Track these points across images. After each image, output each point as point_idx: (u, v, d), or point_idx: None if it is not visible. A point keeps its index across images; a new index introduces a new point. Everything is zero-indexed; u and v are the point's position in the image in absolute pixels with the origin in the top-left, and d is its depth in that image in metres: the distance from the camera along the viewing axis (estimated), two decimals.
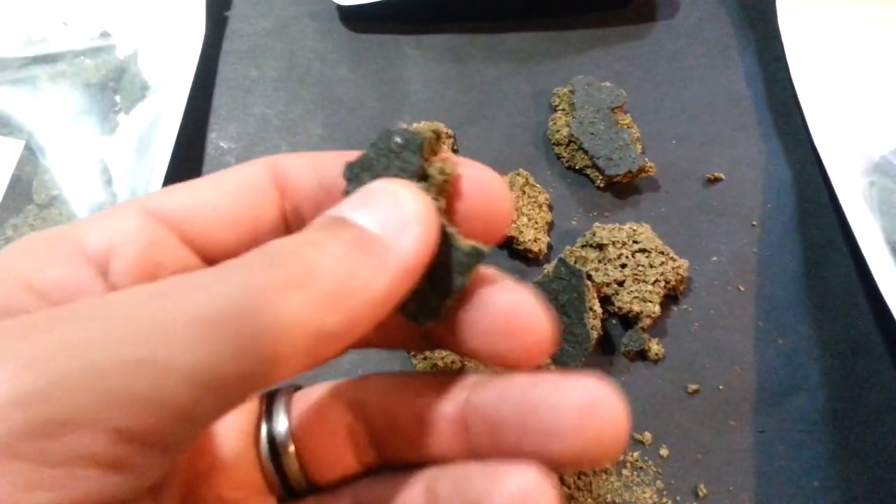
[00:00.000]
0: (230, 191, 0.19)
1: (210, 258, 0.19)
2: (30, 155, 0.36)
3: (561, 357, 0.33)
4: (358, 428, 0.20)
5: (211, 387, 0.13)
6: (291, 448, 0.20)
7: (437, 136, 0.18)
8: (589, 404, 0.16)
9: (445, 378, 0.19)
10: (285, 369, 0.14)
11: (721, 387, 0.33)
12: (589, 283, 0.33)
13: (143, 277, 0.18)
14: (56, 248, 0.17)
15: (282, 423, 0.20)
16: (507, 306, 0.18)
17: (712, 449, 0.32)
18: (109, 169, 0.37)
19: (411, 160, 0.17)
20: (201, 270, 0.15)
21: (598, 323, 0.32)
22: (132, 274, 0.18)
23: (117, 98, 0.39)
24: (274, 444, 0.20)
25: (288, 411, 0.20)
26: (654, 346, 0.34)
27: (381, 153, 0.17)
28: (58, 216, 0.35)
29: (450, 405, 0.19)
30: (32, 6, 0.42)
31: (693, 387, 0.33)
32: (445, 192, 0.18)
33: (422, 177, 0.17)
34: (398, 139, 0.17)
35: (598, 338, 0.32)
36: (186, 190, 0.19)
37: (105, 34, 0.41)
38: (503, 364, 0.17)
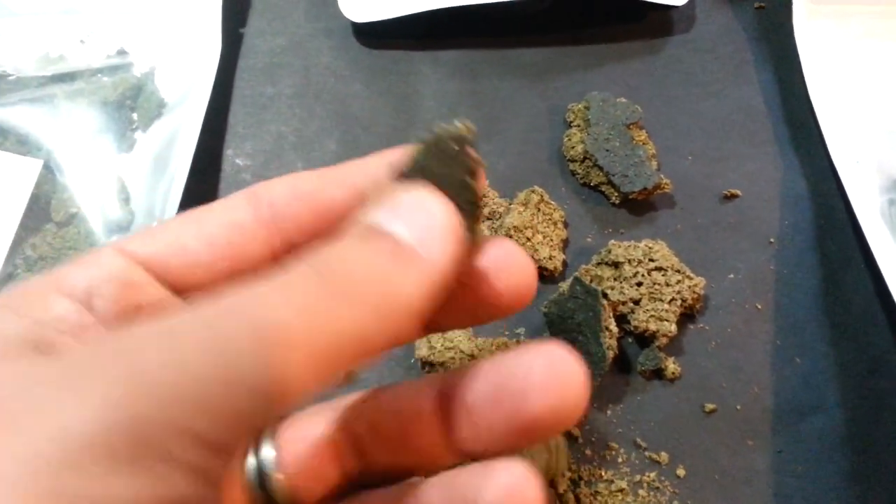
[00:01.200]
0: (209, 233, 0.19)
1: (190, 296, 0.19)
2: (48, 173, 0.37)
3: None
4: (344, 443, 0.21)
5: (273, 396, 0.14)
6: (279, 476, 0.20)
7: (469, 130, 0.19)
8: (553, 363, 0.18)
9: (420, 381, 0.21)
10: (331, 378, 0.15)
11: (738, 406, 0.33)
12: (605, 301, 0.33)
13: (124, 318, 0.18)
14: (46, 290, 0.18)
15: (268, 452, 0.20)
16: (497, 251, 0.19)
17: (729, 469, 0.32)
18: (127, 187, 0.37)
19: (467, 161, 0.18)
20: (256, 284, 0.16)
21: (613, 342, 0.32)
22: (112, 314, 0.18)
23: (134, 116, 0.39)
24: (262, 473, 0.20)
25: (274, 438, 0.21)
26: (671, 365, 0.34)
27: (437, 156, 0.18)
28: (76, 234, 0.35)
29: (426, 400, 0.20)
30: (50, 25, 0.42)
31: (710, 406, 0.33)
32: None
33: (472, 173, 0.18)
34: (454, 144, 0.18)
35: (614, 357, 0.32)
36: (165, 232, 0.19)
37: (122, 52, 0.41)
38: (498, 303, 0.19)
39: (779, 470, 0.32)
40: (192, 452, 0.14)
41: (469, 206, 0.18)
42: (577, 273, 0.35)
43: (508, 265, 0.20)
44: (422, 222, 0.17)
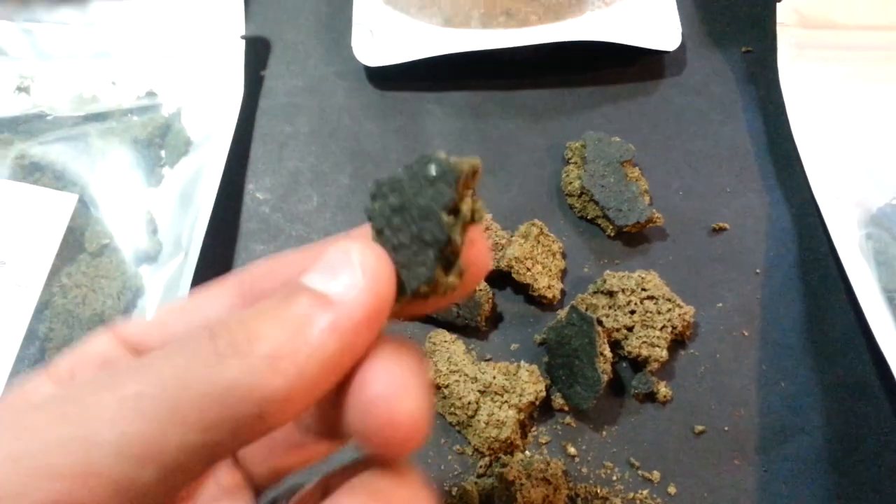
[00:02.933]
0: (194, 318, 0.19)
1: None
2: (82, 207, 0.39)
3: (573, 399, 0.35)
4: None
5: (147, 458, 0.14)
6: None
7: (475, 171, 0.17)
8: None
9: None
10: (238, 436, 0.15)
11: (726, 428, 0.35)
12: (600, 328, 0.35)
13: None
14: (37, 378, 0.18)
15: None
16: (383, 390, 0.16)
17: (718, 487, 0.34)
18: (155, 219, 0.40)
19: (445, 192, 0.16)
20: (152, 353, 0.16)
21: (608, 367, 0.34)
22: None
23: (163, 153, 0.42)
24: None
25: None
26: (663, 389, 0.36)
27: (415, 178, 0.17)
28: (108, 264, 0.38)
29: None
30: (84, 68, 0.45)
31: (700, 427, 0.35)
32: (468, 230, 0.17)
33: (453, 210, 0.17)
34: (434, 168, 0.17)
35: (608, 380, 0.35)
36: (157, 316, 0.20)
37: (151, 94, 0.44)
38: (370, 447, 0.17)
39: (765, 488, 0.34)
40: None
41: (433, 240, 0.17)
42: (573, 301, 0.37)
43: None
44: (338, 270, 0.16)
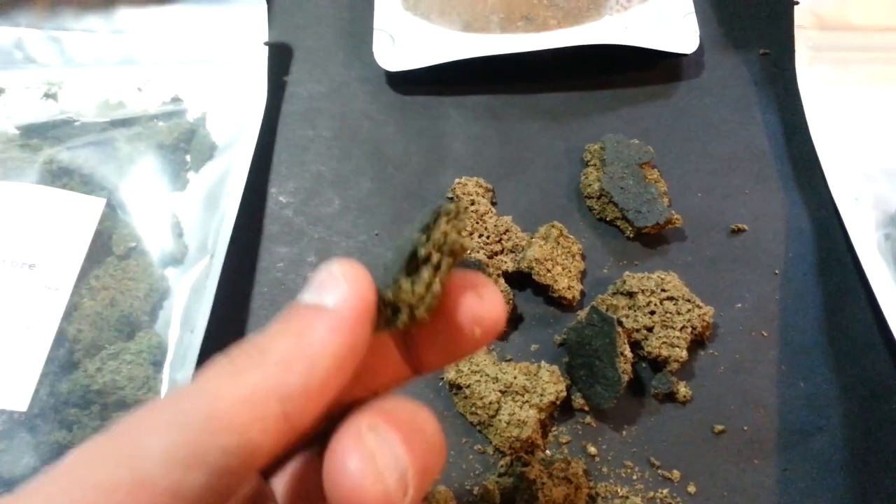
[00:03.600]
0: None
1: None
2: (110, 211, 0.40)
3: (594, 399, 0.35)
4: None
5: (193, 464, 0.16)
6: None
7: (458, 211, 0.20)
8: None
9: None
10: (268, 435, 0.17)
11: (746, 427, 0.36)
12: (620, 329, 0.35)
13: None
14: None
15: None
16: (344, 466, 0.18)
17: (738, 486, 0.34)
18: (181, 222, 0.41)
19: (425, 218, 0.20)
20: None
21: (628, 367, 0.35)
22: None
23: (188, 158, 0.43)
24: None
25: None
26: (682, 389, 0.36)
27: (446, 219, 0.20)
28: (136, 266, 0.38)
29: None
30: (110, 74, 0.46)
31: (719, 427, 0.35)
32: (449, 260, 0.19)
33: (425, 230, 0.19)
34: (429, 213, 0.20)
35: (628, 380, 0.35)
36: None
37: (176, 99, 0.45)
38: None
39: (784, 487, 0.34)
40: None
41: (404, 253, 0.19)
42: (594, 302, 0.38)
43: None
44: (324, 282, 0.19)
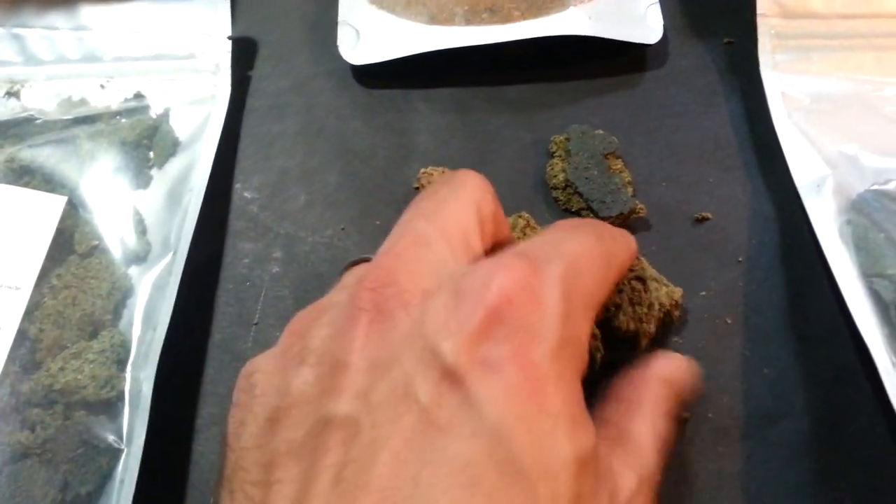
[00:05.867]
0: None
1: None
2: (71, 209, 0.40)
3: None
4: None
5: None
6: None
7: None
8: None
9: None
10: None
11: (710, 414, 0.36)
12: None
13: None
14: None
15: None
16: None
17: (702, 473, 0.34)
18: (144, 220, 0.40)
19: None
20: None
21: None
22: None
23: (151, 154, 0.42)
24: None
25: None
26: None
27: None
28: (98, 265, 0.38)
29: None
30: (73, 72, 0.46)
31: (684, 415, 0.36)
32: None
33: None
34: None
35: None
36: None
37: (139, 95, 0.45)
38: None
39: (749, 473, 0.34)
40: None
41: None
42: None
43: None
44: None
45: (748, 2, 0.45)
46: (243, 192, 0.43)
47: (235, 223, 0.42)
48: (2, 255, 0.37)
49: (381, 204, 0.42)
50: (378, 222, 0.42)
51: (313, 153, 0.44)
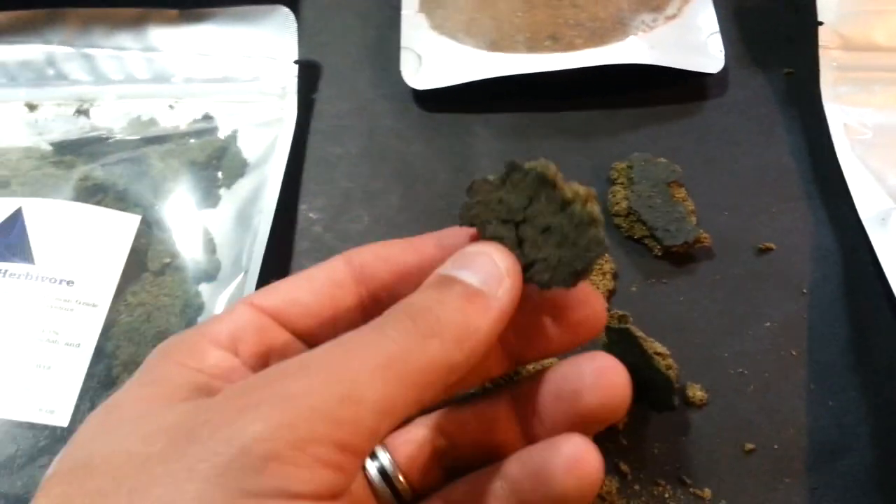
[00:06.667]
0: (317, 288, 0.25)
1: (303, 338, 0.25)
2: (145, 227, 0.41)
3: (658, 406, 0.36)
4: (441, 444, 0.26)
5: (388, 412, 0.19)
6: (401, 477, 0.26)
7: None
8: (603, 367, 0.24)
9: (494, 390, 0.28)
10: (430, 397, 0.21)
11: (776, 446, 0.36)
12: (639, 332, 0.35)
13: (262, 357, 0.23)
14: (199, 341, 0.23)
15: (385, 458, 0.26)
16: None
17: None
18: (214, 239, 0.41)
19: (553, 196, 0.24)
20: (366, 326, 0.21)
21: (670, 360, 0.35)
22: (254, 355, 0.23)
23: (220, 174, 0.43)
24: (384, 473, 0.25)
25: (385, 446, 0.26)
26: (698, 392, 0.36)
27: (511, 185, 0.25)
28: (171, 283, 0.39)
29: (502, 404, 0.26)
30: (143, 91, 0.47)
31: (749, 446, 0.36)
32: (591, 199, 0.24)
33: (565, 205, 0.24)
34: (521, 175, 0.25)
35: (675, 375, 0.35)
36: (283, 289, 0.25)
37: (207, 117, 0.46)
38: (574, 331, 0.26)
39: None
40: (335, 455, 0.18)
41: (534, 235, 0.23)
42: (607, 323, 0.38)
43: (577, 300, 0.25)
44: (487, 270, 0.22)
45: (809, 33, 0.46)
46: (308, 212, 0.44)
47: (300, 243, 0.43)
48: (80, 273, 0.38)
49: (441, 226, 0.42)
50: None
51: (376, 175, 0.45)
